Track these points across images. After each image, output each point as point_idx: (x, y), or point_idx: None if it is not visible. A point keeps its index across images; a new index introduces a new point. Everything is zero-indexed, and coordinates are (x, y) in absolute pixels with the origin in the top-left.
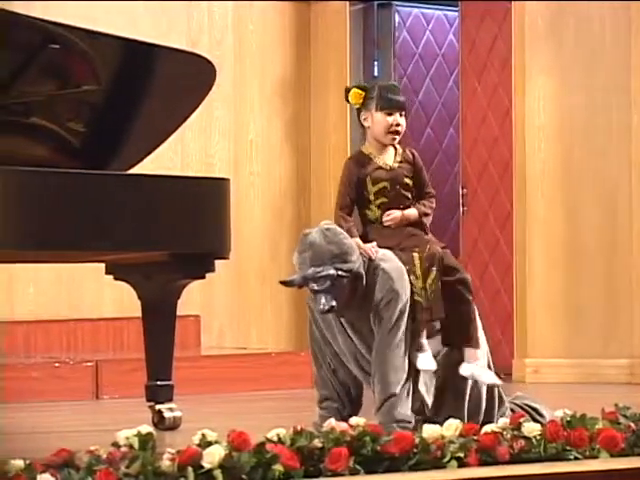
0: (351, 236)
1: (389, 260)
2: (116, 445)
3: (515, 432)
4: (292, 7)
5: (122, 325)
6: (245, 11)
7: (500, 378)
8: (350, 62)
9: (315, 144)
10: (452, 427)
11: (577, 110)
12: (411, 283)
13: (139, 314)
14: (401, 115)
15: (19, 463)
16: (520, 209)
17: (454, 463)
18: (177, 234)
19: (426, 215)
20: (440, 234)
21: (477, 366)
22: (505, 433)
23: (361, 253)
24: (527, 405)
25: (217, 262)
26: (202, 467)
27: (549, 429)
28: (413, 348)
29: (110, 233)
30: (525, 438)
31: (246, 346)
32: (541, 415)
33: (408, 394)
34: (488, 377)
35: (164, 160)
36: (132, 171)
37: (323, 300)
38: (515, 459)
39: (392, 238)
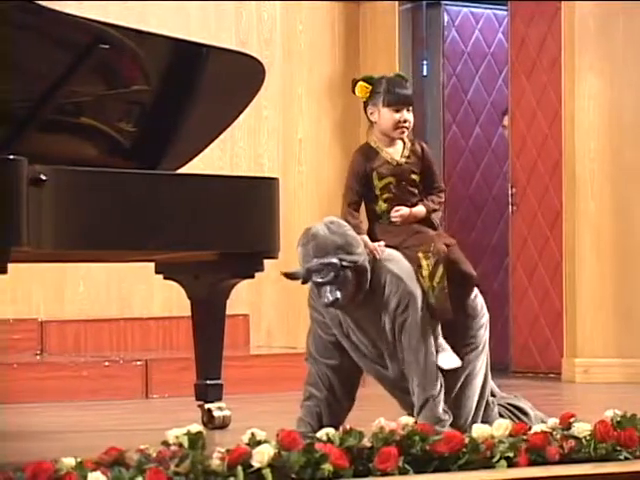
0: (358, 233)
1: (396, 261)
2: (166, 444)
3: (565, 432)
4: (341, 7)
5: (172, 324)
6: (294, 11)
7: (548, 378)
8: (399, 62)
9: None
10: (502, 427)
11: (627, 109)
12: (419, 283)
13: (188, 313)
14: (408, 110)
15: (70, 461)
16: (570, 208)
17: (504, 463)
18: (226, 234)
19: (434, 211)
20: (489, 233)
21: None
22: (555, 433)
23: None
24: (510, 405)
25: (266, 261)
26: (251, 466)
27: (599, 429)
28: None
29: (159, 233)
30: (575, 438)
31: (295, 345)
32: (525, 414)
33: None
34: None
35: (213, 160)
36: (181, 171)
37: (327, 292)
38: (565, 459)
39: (397, 235)
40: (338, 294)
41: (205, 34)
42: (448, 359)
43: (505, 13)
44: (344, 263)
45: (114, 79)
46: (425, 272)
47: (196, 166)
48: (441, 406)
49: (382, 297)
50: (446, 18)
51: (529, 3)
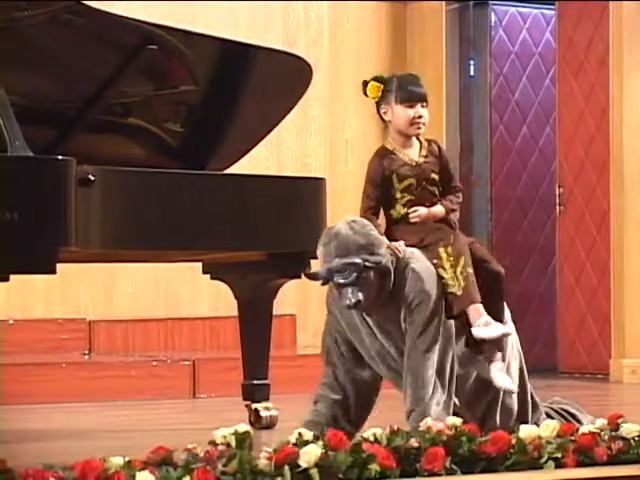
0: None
1: (419, 260)
2: (213, 443)
3: (613, 433)
4: (388, 6)
5: (219, 324)
6: (341, 10)
7: (596, 378)
8: (446, 62)
9: None
10: (549, 427)
11: None
12: (441, 278)
13: (235, 313)
14: (422, 106)
15: (118, 460)
16: (617, 208)
17: (551, 464)
18: (273, 234)
19: (453, 211)
20: (536, 233)
21: (495, 367)
22: (603, 434)
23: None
24: (564, 410)
25: (313, 262)
26: (299, 466)
27: None
28: (455, 344)
29: (207, 233)
30: (623, 439)
31: None
32: (578, 421)
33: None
34: (502, 380)
35: (260, 160)
36: (229, 171)
37: (349, 294)
38: (613, 460)
39: (416, 234)
40: (360, 296)
41: (252, 34)
42: (490, 329)
43: (553, 13)
44: (367, 264)
45: (162, 79)
46: (447, 264)
47: (243, 166)
48: (433, 409)
49: (403, 295)
50: (493, 18)
51: (577, 3)
